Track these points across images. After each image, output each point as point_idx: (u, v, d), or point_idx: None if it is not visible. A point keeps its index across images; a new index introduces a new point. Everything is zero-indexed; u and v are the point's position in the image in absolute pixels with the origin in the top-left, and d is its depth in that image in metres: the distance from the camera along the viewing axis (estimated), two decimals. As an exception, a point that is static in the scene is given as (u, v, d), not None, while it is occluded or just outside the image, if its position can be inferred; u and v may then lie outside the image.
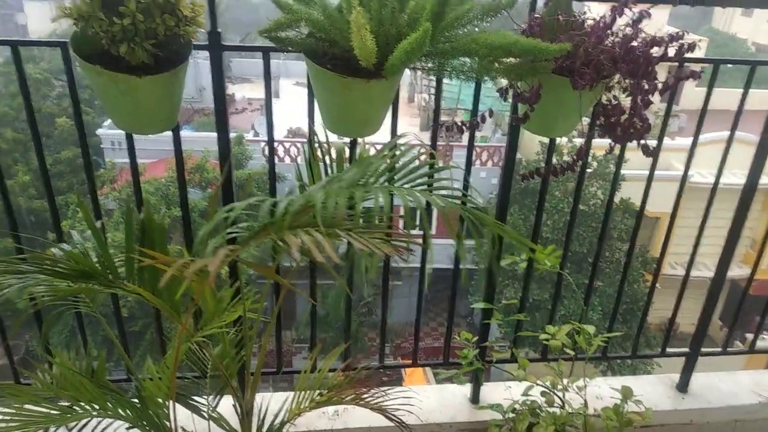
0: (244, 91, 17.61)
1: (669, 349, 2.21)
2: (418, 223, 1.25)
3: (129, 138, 1.52)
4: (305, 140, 1.40)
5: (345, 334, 1.78)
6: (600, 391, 1.96)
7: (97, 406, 1.22)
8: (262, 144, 12.84)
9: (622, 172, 1.89)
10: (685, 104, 14.56)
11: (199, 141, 10.88)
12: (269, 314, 1.63)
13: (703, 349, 2.12)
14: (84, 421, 1.27)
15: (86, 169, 1.58)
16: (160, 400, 1.28)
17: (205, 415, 1.52)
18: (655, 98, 1.36)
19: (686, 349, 2.14)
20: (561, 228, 10.82)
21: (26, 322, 1.49)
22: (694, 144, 1.80)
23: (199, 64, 17.01)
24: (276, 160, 1.70)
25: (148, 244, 1.22)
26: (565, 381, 1.73)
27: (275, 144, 1.67)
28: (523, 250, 1.81)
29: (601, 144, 1.52)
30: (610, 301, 10.75)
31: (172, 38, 1.25)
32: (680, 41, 1.29)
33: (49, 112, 12.63)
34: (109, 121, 13.92)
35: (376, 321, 12.97)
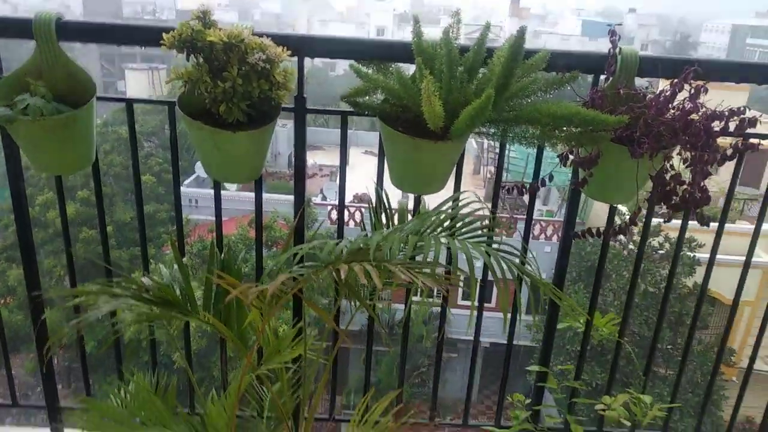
0: (316, 158, 18.42)
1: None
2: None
3: (216, 187, 1.69)
4: (370, 206, 1.52)
5: (399, 379, 1.82)
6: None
7: (165, 427, 1.31)
8: (329, 208, 13.27)
9: (697, 255, 1.85)
10: None
11: (270, 202, 11.43)
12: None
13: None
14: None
15: (176, 213, 1.75)
16: (222, 424, 1.36)
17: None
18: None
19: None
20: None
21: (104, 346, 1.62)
22: None
23: (278, 132, 18.06)
24: (343, 226, 1.84)
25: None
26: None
27: (343, 210, 1.81)
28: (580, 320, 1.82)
29: (676, 225, 1.52)
30: (682, 392, 10.05)
31: (264, 100, 1.42)
32: (741, 116, 1.33)
33: (137, 169, 13.62)
34: (189, 179, 14.88)
35: (429, 393, 12.63)
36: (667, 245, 10.64)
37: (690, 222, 1.52)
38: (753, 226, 1.82)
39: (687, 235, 1.58)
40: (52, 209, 11.86)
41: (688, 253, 10.36)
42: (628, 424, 1.64)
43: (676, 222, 1.70)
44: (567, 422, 1.76)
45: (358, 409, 1.63)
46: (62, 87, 1.48)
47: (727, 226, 1.75)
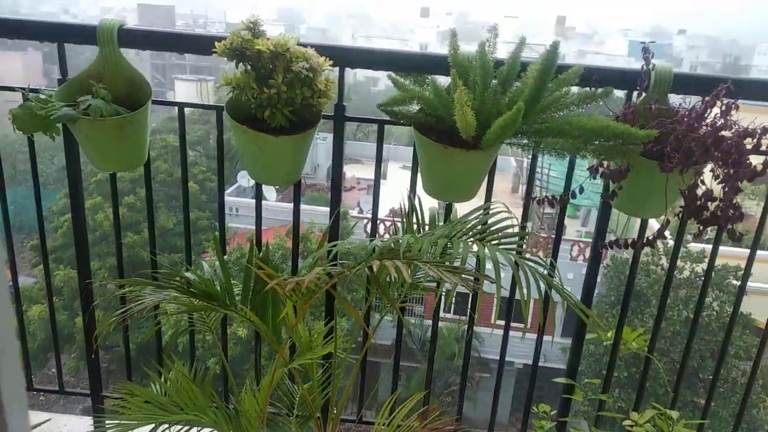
0: (354, 171, 18.64)
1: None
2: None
3: (257, 188, 1.78)
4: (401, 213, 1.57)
5: (426, 381, 1.85)
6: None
7: (201, 413, 1.39)
8: (366, 221, 13.38)
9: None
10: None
11: (308, 213, 11.64)
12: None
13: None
14: (186, 428, 1.43)
15: (219, 210, 1.85)
16: (254, 415, 1.42)
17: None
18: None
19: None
20: (668, 337, 10.11)
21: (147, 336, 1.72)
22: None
23: (318, 145, 18.37)
24: (376, 236, 1.90)
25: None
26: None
27: (377, 222, 1.88)
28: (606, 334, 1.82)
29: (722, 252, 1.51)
30: (723, 425, 9.68)
31: (306, 107, 1.50)
32: (774, 134, 1.34)
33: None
34: (231, 188, 15.26)
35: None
36: (712, 273, 10.32)
37: (737, 249, 1.52)
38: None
39: (733, 263, 1.59)
40: (100, 211, 12.32)
41: (734, 282, 10.04)
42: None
43: (722, 250, 1.71)
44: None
45: (382, 412, 1.67)
46: (121, 90, 1.59)
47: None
